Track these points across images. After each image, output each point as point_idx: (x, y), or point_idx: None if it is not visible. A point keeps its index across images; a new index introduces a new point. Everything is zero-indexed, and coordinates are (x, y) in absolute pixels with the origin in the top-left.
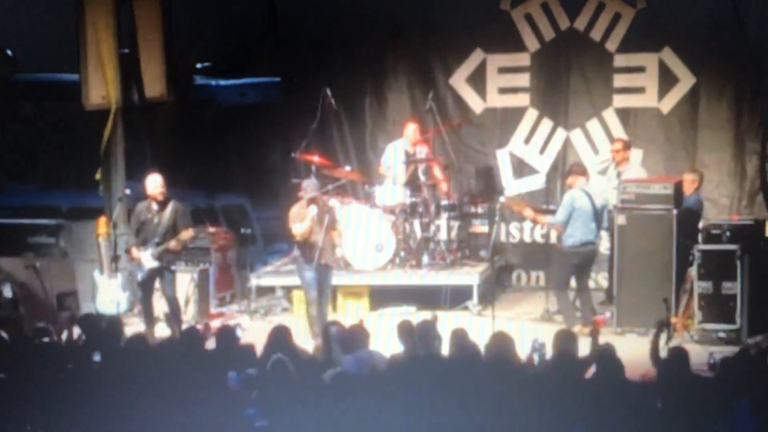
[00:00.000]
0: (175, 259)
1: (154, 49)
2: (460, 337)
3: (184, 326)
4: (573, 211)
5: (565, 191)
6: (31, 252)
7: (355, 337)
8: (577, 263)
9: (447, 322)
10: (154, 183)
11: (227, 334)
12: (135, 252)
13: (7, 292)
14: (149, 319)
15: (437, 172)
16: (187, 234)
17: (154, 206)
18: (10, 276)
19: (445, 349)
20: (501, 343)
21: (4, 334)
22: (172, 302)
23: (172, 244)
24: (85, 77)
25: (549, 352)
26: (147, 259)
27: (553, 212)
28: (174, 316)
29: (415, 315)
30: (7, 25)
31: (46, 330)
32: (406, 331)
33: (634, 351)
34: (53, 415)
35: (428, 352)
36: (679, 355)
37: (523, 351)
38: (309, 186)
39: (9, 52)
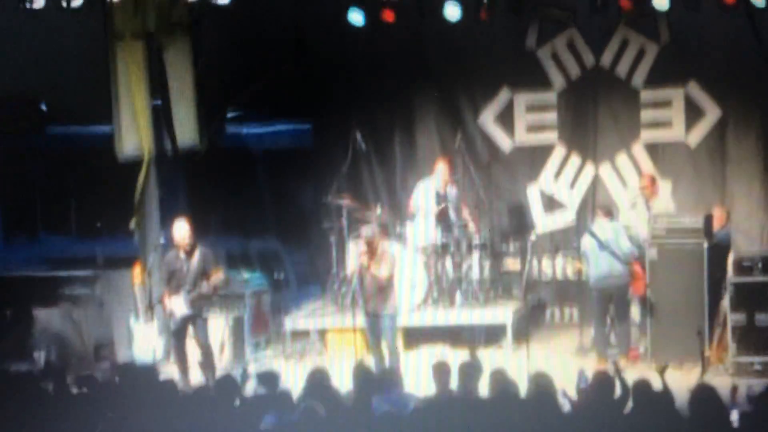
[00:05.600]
0: (208, 305)
1: (186, 98)
2: (499, 378)
3: (219, 373)
4: (586, 257)
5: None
6: (68, 302)
7: (388, 378)
8: (599, 297)
9: (482, 360)
10: (181, 232)
11: (270, 378)
12: (167, 302)
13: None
14: (183, 366)
15: (466, 212)
16: (217, 276)
17: (182, 254)
18: (46, 329)
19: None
20: (538, 384)
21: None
22: (206, 349)
23: (204, 288)
24: (118, 128)
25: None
26: (180, 306)
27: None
28: (207, 363)
29: (450, 354)
30: (40, 78)
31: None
32: (441, 371)
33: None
34: None
35: (467, 391)
36: (707, 391)
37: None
38: (364, 228)
39: (43, 106)
